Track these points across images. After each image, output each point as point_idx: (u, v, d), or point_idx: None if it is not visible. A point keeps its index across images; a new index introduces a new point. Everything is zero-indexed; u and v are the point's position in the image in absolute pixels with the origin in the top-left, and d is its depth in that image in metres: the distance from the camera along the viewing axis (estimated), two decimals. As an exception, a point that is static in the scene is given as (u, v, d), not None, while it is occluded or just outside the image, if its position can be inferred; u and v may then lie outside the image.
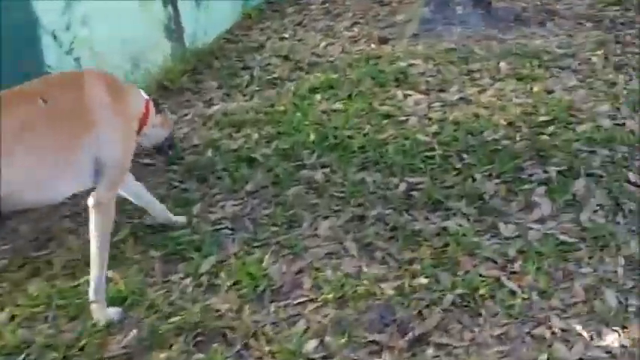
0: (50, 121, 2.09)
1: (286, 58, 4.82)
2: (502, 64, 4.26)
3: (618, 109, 3.61)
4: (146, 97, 2.60)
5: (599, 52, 4.47)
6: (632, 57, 4.41)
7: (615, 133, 3.32)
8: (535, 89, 3.95)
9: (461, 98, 3.91)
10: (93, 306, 2.25)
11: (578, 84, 4.02)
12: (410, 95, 4.00)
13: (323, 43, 5.12)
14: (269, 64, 4.76)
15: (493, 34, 4.81)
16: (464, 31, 4.83)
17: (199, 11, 5.10)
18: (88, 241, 2.30)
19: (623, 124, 3.45)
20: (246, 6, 5.82)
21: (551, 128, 3.44)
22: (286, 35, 5.34)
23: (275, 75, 4.49)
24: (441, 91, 4.03)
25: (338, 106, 3.91)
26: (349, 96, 4.05)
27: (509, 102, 3.80)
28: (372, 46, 4.97)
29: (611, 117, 3.52)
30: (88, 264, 2.32)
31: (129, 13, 4.13)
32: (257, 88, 4.32)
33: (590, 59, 4.38)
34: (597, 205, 2.75)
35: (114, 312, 2.26)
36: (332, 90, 4.13)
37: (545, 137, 3.35)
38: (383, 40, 4.94)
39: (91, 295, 2.25)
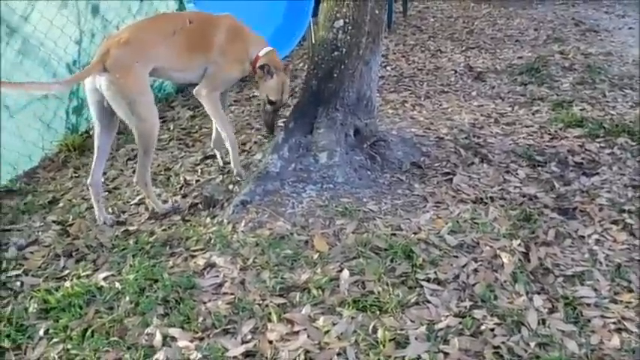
0: (189, 33, 3.21)
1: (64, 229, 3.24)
2: (344, 275, 2.59)
3: None
4: (261, 54, 3.37)
5: (514, 244, 2.77)
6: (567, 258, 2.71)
7: None
8: (380, 334, 2.27)
9: (246, 354, 2.25)
10: (231, 156, 3.55)
11: (457, 326, 2.32)
12: (172, 340, 2.35)
13: (137, 199, 3.54)
14: (36, 240, 3.17)
15: (360, 201, 3.16)
16: (319, 195, 3.19)
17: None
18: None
19: None
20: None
21: None
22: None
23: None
24: (226, 333, 2.38)
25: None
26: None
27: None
28: (200, 206, 3.37)
29: None
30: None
31: None
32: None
33: (495, 260, 2.68)
34: None
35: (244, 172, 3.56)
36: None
37: None
38: (209, 202, 3.34)
39: (229, 148, 3.56)
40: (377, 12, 3.40)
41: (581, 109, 4.51)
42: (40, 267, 2.91)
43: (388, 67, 5.85)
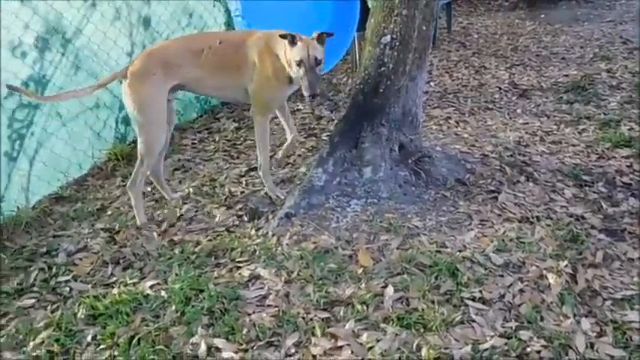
0: (220, 52, 3.25)
1: (112, 236, 3.31)
2: (388, 291, 2.59)
3: None
4: None
5: (561, 265, 2.73)
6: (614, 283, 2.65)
7: None
8: (424, 353, 2.26)
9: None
10: (265, 182, 3.54)
11: (503, 347, 2.28)
12: (216, 351, 2.39)
13: (184, 209, 3.59)
14: (85, 247, 3.25)
15: (404, 216, 3.16)
16: (363, 209, 3.20)
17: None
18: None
19: None
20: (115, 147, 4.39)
21: None
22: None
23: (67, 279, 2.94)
24: (270, 345, 2.40)
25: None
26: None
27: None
28: (244, 218, 3.40)
29: None
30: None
31: None
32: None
33: (541, 280, 2.65)
34: None
35: (279, 190, 3.51)
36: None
37: None
38: (253, 214, 3.38)
39: (262, 176, 3.54)
40: (424, 28, 3.40)
41: (629, 129, 4.41)
42: (88, 273, 2.98)
43: (432, 83, 5.84)
